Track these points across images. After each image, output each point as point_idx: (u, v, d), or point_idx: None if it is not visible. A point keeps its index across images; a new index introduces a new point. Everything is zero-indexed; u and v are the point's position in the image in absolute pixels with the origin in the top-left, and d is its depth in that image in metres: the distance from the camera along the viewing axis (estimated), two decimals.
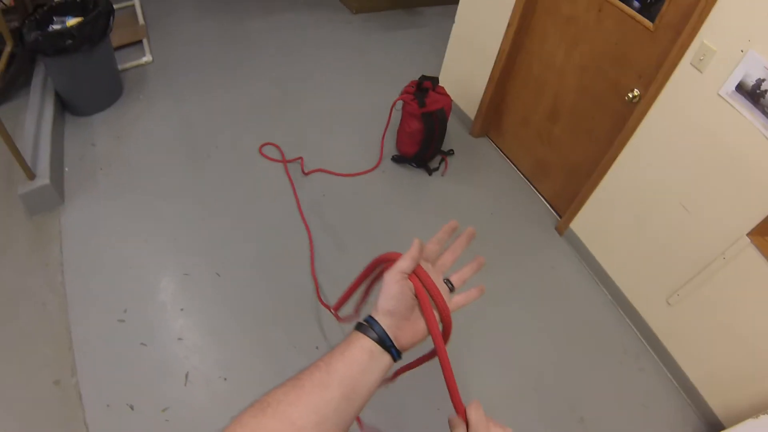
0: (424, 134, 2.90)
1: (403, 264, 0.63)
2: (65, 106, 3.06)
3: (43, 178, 2.50)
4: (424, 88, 2.87)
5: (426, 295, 0.63)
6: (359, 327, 0.61)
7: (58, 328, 2.10)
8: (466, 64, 3.35)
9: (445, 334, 0.65)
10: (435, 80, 2.94)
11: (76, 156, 2.80)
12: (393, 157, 3.11)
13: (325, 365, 0.57)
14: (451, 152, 3.23)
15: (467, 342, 2.43)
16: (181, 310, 2.22)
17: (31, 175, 2.49)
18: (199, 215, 2.64)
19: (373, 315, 0.62)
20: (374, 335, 0.60)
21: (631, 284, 2.72)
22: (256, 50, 3.85)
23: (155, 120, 3.12)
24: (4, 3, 3.10)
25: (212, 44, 3.84)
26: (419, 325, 0.64)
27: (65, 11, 3.02)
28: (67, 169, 2.73)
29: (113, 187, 2.69)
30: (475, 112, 3.38)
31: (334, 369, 0.57)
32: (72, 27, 2.77)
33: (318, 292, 2.34)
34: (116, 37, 3.47)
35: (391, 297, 0.62)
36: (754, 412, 2.16)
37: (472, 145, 3.43)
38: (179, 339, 2.12)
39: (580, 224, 2.90)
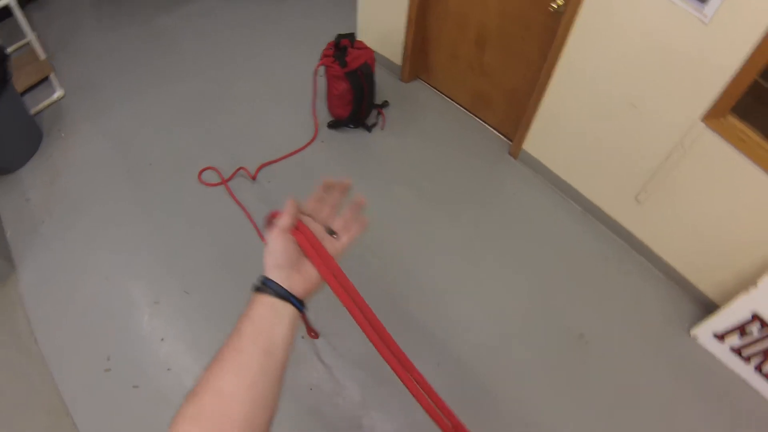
0: (353, 93, 2.84)
1: (281, 221, 0.69)
2: None
3: None
4: (342, 47, 2.78)
5: (308, 244, 0.69)
6: (255, 289, 0.66)
7: (49, 395, 2.07)
8: (381, 12, 3.23)
9: (338, 277, 0.69)
10: (351, 36, 2.84)
11: (13, 217, 2.69)
12: (329, 123, 3.05)
13: (236, 332, 0.62)
14: (386, 104, 3.17)
15: (457, 287, 2.47)
16: (162, 340, 2.20)
17: None
18: (150, 235, 2.59)
19: (264, 274, 0.67)
20: (269, 290, 0.64)
21: (598, 191, 2.74)
22: (172, 48, 3.66)
23: (83, 152, 2.98)
24: None
25: (124, 54, 3.63)
26: (310, 273, 0.69)
27: None
28: (8, 233, 2.63)
29: (60, 234, 2.60)
30: (401, 58, 3.29)
31: (243, 332, 0.61)
32: None
33: None
34: (20, 81, 3.30)
35: (275, 252, 0.67)
36: (743, 286, 2.24)
37: (406, 91, 3.36)
38: (168, 370, 2.12)
39: (532, 144, 2.89)
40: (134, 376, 2.10)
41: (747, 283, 2.23)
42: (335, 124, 3.04)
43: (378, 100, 3.15)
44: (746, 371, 2.44)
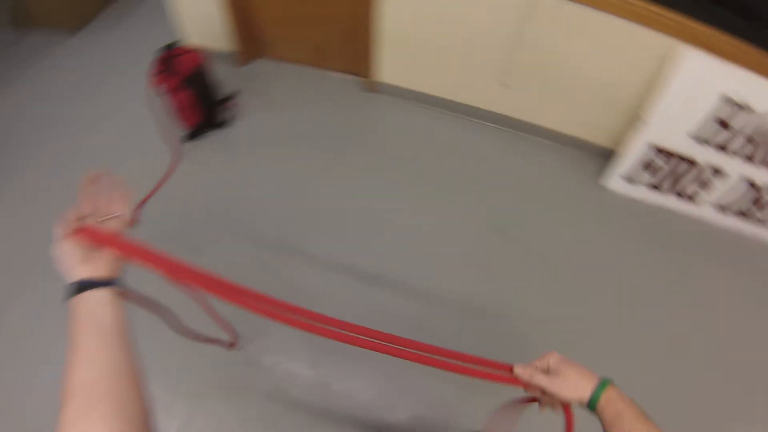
0: (197, 98, 2.83)
1: (55, 236, 0.77)
2: None
3: None
4: (167, 59, 2.75)
5: (87, 235, 0.77)
6: (69, 295, 0.73)
7: None
8: (197, 10, 3.18)
9: (125, 243, 0.79)
10: (172, 45, 2.79)
11: None
12: (187, 136, 3.01)
13: (70, 339, 0.69)
14: (235, 93, 3.15)
15: (365, 222, 2.56)
16: None
17: None
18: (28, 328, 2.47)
19: (70, 281, 0.74)
20: (74, 292, 0.73)
21: (465, 91, 2.81)
22: (10, 131, 3.39)
23: None
24: None
25: None
26: (100, 255, 0.77)
27: None
28: None
29: None
30: (233, 44, 3.28)
31: (73, 334, 0.69)
32: None
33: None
34: None
35: (62, 259, 0.76)
36: (631, 124, 2.42)
37: (250, 73, 3.36)
38: None
39: (386, 72, 2.95)
40: None
41: (633, 120, 2.40)
42: (194, 135, 3.01)
43: (226, 93, 3.13)
44: (663, 199, 2.65)
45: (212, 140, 3.06)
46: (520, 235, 2.49)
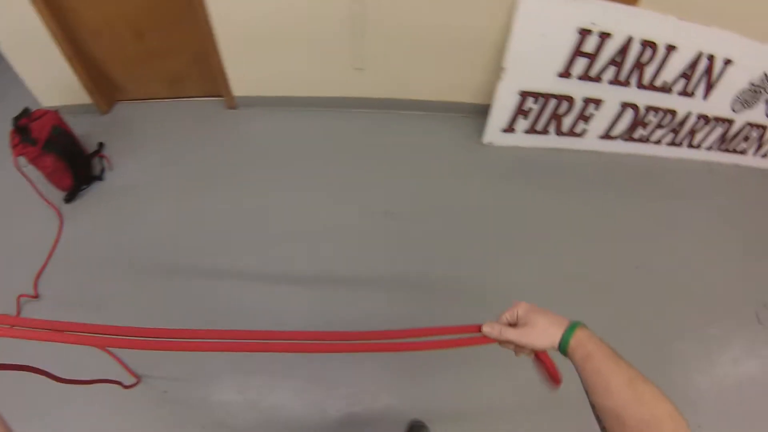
0: (62, 160, 2.81)
1: None
2: None
3: None
4: (23, 126, 2.69)
5: None
6: None
7: None
8: (41, 67, 3.11)
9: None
10: (25, 112, 2.73)
11: None
12: (64, 199, 2.96)
13: None
14: (101, 145, 3.16)
15: (257, 231, 2.63)
16: None
17: None
18: None
19: None
20: None
21: (323, 84, 2.87)
22: None
23: None
24: None
25: None
26: None
27: None
28: None
29: None
30: (87, 95, 3.25)
31: None
32: None
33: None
34: None
35: None
36: (495, 77, 2.49)
37: (113, 120, 3.37)
38: None
39: (239, 86, 3.03)
40: None
41: (497, 71, 2.48)
42: (71, 196, 2.97)
43: (92, 147, 3.13)
44: (551, 141, 2.81)
45: (90, 196, 3.03)
46: (422, 209, 2.59)
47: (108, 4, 2.78)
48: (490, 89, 2.61)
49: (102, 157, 3.13)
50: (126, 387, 1.03)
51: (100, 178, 3.06)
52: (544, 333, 0.82)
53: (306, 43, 2.65)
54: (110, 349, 1.70)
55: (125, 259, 2.70)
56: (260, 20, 2.59)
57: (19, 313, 2.62)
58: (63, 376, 1.19)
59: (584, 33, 2.46)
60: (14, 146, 2.71)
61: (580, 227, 2.65)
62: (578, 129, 2.82)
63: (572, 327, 0.81)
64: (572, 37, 2.46)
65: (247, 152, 2.98)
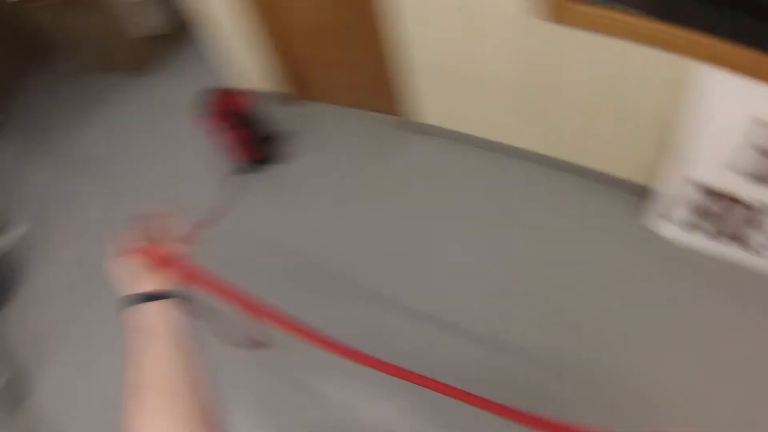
0: (248, 136, 3.12)
1: (112, 253, 0.85)
2: None
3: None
4: (221, 99, 3.03)
5: (145, 255, 0.84)
6: (121, 310, 0.80)
7: None
8: (245, 52, 3.46)
9: (173, 262, 0.86)
10: (225, 87, 3.12)
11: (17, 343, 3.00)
12: (242, 171, 3.27)
13: (132, 345, 0.75)
14: (286, 133, 3.43)
15: (414, 269, 2.63)
16: None
17: None
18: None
19: (124, 294, 0.81)
20: (129, 304, 0.79)
21: (491, 129, 2.82)
22: (87, 164, 3.99)
23: (52, 275, 3.31)
24: None
25: (47, 184, 3.98)
26: (161, 272, 0.84)
27: None
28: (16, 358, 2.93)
29: (59, 348, 2.91)
30: (283, 86, 3.57)
31: (135, 340, 0.75)
32: None
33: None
34: None
35: (117, 276, 0.83)
36: (661, 155, 2.28)
37: (302, 114, 3.61)
38: None
39: (417, 112, 3.07)
40: None
41: (664, 154, 2.26)
42: (246, 170, 3.28)
43: (276, 133, 3.41)
44: (709, 241, 2.37)
45: (265, 176, 3.31)
46: (558, 277, 2.43)
47: (318, 14, 3.00)
48: (655, 171, 2.39)
49: (283, 144, 3.41)
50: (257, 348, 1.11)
51: (275, 162, 3.33)
52: None
53: (481, 83, 2.62)
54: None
55: (273, 241, 2.91)
56: (446, 53, 2.60)
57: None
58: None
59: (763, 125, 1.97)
60: (209, 115, 3.06)
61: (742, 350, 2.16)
62: (747, 237, 2.27)
63: None
64: (750, 127, 1.98)
65: (413, 179, 3.01)
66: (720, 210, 2.24)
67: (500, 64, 2.46)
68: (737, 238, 2.30)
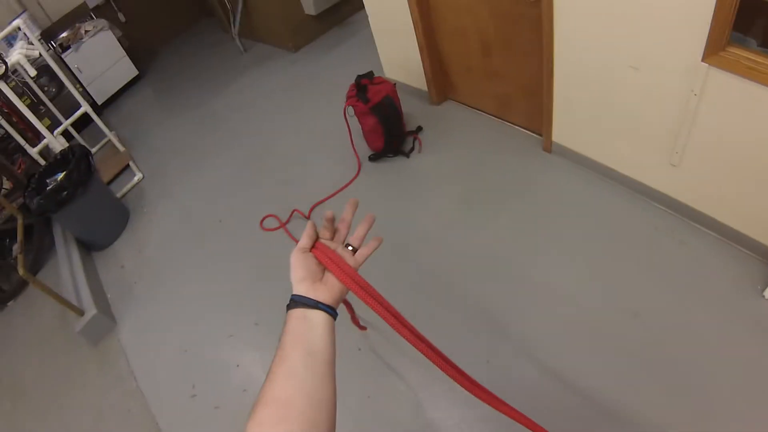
0: (382, 125, 3.08)
1: (300, 243, 0.80)
2: (88, 247, 3.43)
3: (91, 311, 2.84)
4: (363, 85, 3.06)
5: (326, 258, 0.79)
6: (287, 308, 0.75)
7: (148, 425, 2.40)
8: (396, 45, 3.53)
9: (357, 280, 0.79)
10: (370, 74, 3.12)
11: (112, 282, 3.16)
12: (369, 157, 3.30)
13: (279, 347, 0.70)
14: (419, 129, 3.39)
15: (513, 280, 2.51)
16: (237, 366, 2.48)
17: (80, 312, 2.83)
18: (223, 281, 2.93)
19: (293, 292, 0.76)
20: (298, 304, 0.74)
21: (633, 164, 2.68)
22: (220, 124, 4.23)
23: (163, 223, 3.48)
24: (5, 188, 3.53)
25: (183, 136, 4.27)
26: (332, 282, 0.78)
27: (54, 171, 3.41)
28: (109, 295, 3.08)
29: (150, 292, 3.03)
30: (425, 83, 3.53)
31: (284, 344, 0.70)
32: (61, 180, 3.14)
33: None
34: (106, 172, 3.87)
35: (296, 268, 0.77)
36: None
37: (438, 112, 3.57)
38: (244, 391, 2.36)
39: (560, 133, 2.94)
40: (215, 399, 2.37)
41: None
42: (375, 157, 3.29)
43: (412, 127, 3.39)
44: None
45: (390, 165, 3.31)
46: (661, 326, 2.21)
47: (469, 17, 2.94)
48: None
49: (416, 138, 3.36)
50: (356, 323, 1.06)
51: (406, 154, 3.29)
52: None
53: (632, 118, 2.47)
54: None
55: (389, 229, 2.81)
56: (595, 79, 2.49)
57: (288, 221, 3.13)
58: None
59: None
60: (349, 97, 3.10)
61: None
62: None
63: None
64: None
65: (536, 197, 2.89)
66: None
67: (658, 108, 2.31)
68: None
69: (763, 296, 2.22)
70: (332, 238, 0.86)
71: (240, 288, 2.85)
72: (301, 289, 0.75)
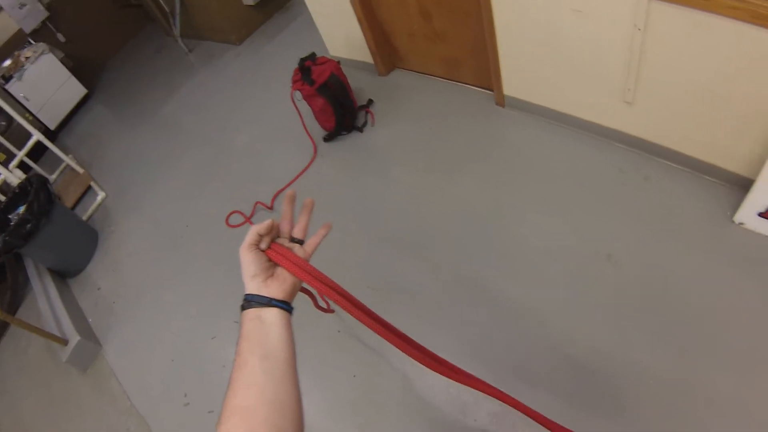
0: (331, 104, 3.05)
1: (247, 240, 0.77)
2: (63, 275, 3.41)
3: (74, 338, 2.83)
4: (306, 68, 3.02)
5: (277, 254, 0.78)
6: (241, 309, 0.74)
7: None
8: (336, 23, 3.48)
9: (310, 272, 0.79)
10: (312, 56, 3.08)
11: (91, 305, 3.15)
12: (324, 138, 3.28)
13: (237, 355, 0.69)
14: (370, 102, 3.37)
15: (483, 238, 2.52)
16: (224, 366, 2.48)
17: (64, 342, 2.83)
18: (200, 284, 2.92)
19: (245, 292, 0.75)
20: (251, 303, 0.73)
21: (588, 107, 2.67)
22: (176, 128, 4.19)
23: (133, 237, 3.45)
24: None
25: (142, 147, 4.21)
26: (285, 276, 0.77)
27: (15, 205, 3.36)
28: (90, 319, 3.07)
29: (130, 309, 3.02)
30: (370, 55, 3.49)
31: (241, 349, 0.69)
32: (23, 213, 3.10)
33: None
34: (70, 196, 3.83)
35: (246, 265, 0.76)
36: (766, 152, 2.03)
37: (387, 83, 3.55)
38: None
39: (510, 85, 2.92)
40: (208, 404, 2.38)
41: None
42: (329, 137, 3.27)
43: (362, 101, 3.37)
44: None
45: (345, 143, 3.30)
46: (635, 265, 2.22)
47: None
48: (759, 164, 2.09)
49: (368, 112, 3.35)
50: (319, 308, 1.07)
51: (360, 129, 3.28)
52: None
53: (581, 61, 2.45)
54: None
55: (352, 206, 2.87)
56: (538, 27, 2.46)
57: (252, 215, 3.12)
58: None
59: None
60: (295, 81, 3.07)
61: None
62: None
63: None
64: None
65: (497, 154, 2.88)
66: None
67: (606, 48, 2.30)
68: None
69: (733, 221, 2.23)
70: (278, 235, 0.84)
71: (215, 289, 2.85)
72: (252, 287, 0.74)
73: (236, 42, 4.78)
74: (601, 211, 2.44)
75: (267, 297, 0.73)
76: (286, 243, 0.82)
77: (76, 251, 3.42)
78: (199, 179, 3.60)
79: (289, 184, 3.13)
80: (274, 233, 0.81)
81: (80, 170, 3.97)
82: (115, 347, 2.89)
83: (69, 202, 3.77)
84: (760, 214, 2.16)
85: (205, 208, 3.33)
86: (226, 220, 3.14)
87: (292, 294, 0.78)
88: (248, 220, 3.07)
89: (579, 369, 1.98)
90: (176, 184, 3.66)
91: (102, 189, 3.84)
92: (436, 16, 2.97)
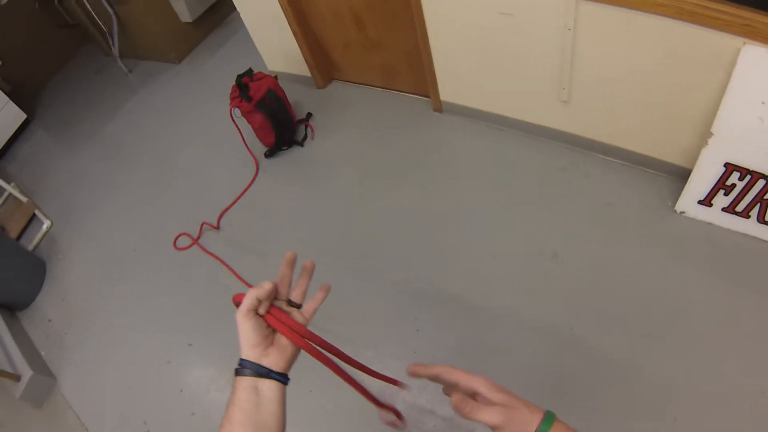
0: (269, 120, 3.09)
1: (245, 304, 0.71)
2: (12, 309, 3.35)
3: (27, 374, 2.79)
4: (243, 84, 3.05)
5: (278, 321, 0.73)
6: (235, 372, 0.70)
7: None
8: (272, 37, 3.52)
9: (313, 340, 0.75)
10: (249, 72, 3.11)
11: (43, 338, 3.10)
12: (265, 154, 3.32)
13: (227, 420, 0.66)
14: (309, 115, 3.42)
15: (427, 240, 2.61)
16: (181, 391, 2.51)
17: (16, 378, 2.80)
18: (152, 310, 2.93)
19: (241, 357, 0.71)
20: (248, 371, 0.69)
21: (523, 109, 2.74)
22: (122, 148, 4.14)
23: (80, 264, 3.41)
24: None
25: (86, 168, 4.15)
26: (285, 344, 0.73)
27: None
28: (43, 352, 3.03)
29: (82, 338, 2.99)
30: (307, 69, 3.54)
31: (231, 419, 0.66)
32: None
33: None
34: (14, 227, 3.76)
35: (245, 333, 0.71)
36: (703, 140, 2.11)
37: (326, 95, 3.61)
38: (192, 414, 2.40)
39: (447, 91, 3.00)
40: (168, 430, 2.42)
41: (705, 135, 2.10)
42: (270, 153, 3.31)
43: (301, 115, 3.42)
44: (749, 226, 2.21)
45: (286, 158, 3.34)
46: (581, 261, 2.32)
47: None
48: (695, 153, 2.21)
49: (308, 125, 3.40)
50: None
51: (300, 144, 3.32)
52: (523, 418, 0.65)
53: (515, 63, 2.54)
54: None
55: (297, 221, 2.93)
56: (469, 32, 2.54)
57: (199, 236, 3.13)
58: None
59: None
60: (233, 98, 3.10)
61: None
62: None
63: (550, 417, 0.65)
64: None
65: (438, 159, 2.97)
66: (747, 187, 2.13)
67: (538, 50, 2.38)
68: (760, 214, 2.18)
69: (675, 211, 2.34)
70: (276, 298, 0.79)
71: (167, 312, 2.87)
72: (252, 354, 0.70)
73: (176, 60, 4.75)
74: (544, 209, 2.53)
75: (266, 368, 0.70)
76: (284, 306, 0.79)
77: (23, 284, 3.37)
78: (143, 199, 3.58)
79: (233, 203, 3.16)
80: (272, 297, 0.76)
81: (24, 199, 3.89)
82: (70, 379, 2.86)
83: (13, 233, 3.69)
84: (700, 202, 2.27)
85: (152, 230, 3.32)
86: (174, 242, 3.14)
87: (291, 363, 0.75)
88: (195, 242, 3.08)
89: (530, 367, 2.07)
90: (121, 206, 3.63)
91: (47, 217, 3.77)
92: (370, 24, 3.03)
